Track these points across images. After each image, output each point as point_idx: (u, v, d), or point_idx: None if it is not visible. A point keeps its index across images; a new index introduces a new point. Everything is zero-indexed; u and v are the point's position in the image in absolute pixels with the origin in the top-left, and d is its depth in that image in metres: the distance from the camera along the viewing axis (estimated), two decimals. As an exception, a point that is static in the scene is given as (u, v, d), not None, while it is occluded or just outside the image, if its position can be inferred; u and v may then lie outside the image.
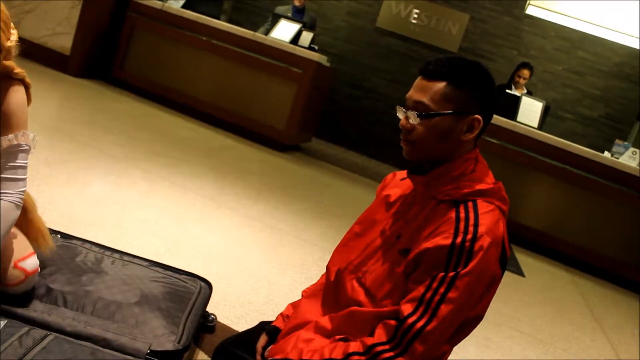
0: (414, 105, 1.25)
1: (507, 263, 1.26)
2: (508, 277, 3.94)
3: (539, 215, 4.95)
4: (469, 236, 1.15)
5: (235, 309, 2.16)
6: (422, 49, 7.73)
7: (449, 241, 1.16)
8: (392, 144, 7.38)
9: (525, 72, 6.15)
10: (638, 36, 5.81)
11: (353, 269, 1.34)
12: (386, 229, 1.34)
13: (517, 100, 5.17)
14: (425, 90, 1.24)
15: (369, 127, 7.90)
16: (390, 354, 1.14)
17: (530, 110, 5.08)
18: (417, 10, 7.72)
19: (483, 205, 1.21)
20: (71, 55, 5.74)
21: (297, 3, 6.67)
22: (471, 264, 1.14)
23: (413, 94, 1.26)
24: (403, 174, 1.45)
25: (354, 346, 1.18)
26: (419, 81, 1.27)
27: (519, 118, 5.01)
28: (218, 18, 5.92)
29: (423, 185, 1.29)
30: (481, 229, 1.16)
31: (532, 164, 4.87)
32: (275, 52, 5.47)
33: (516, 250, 4.77)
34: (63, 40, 5.75)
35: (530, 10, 6.06)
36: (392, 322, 1.16)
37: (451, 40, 7.64)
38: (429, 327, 1.13)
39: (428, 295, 1.15)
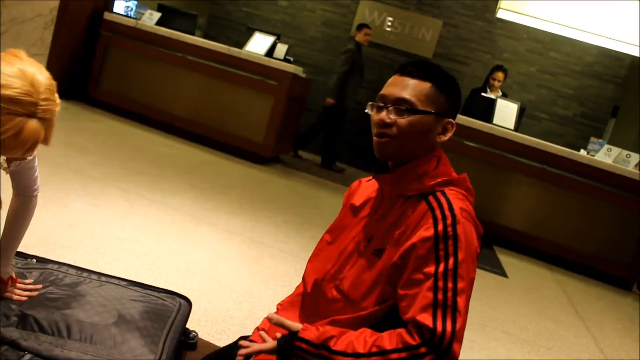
0: (396, 101, 1.27)
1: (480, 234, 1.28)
2: (491, 278, 3.97)
3: (520, 215, 4.99)
4: (449, 220, 1.17)
5: (218, 325, 2.15)
6: (397, 56, 7.79)
7: (431, 232, 1.17)
8: (371, 154, 7.41)
9: (500, 75, 6.22)
10: (608, 36, 5.91)
11: (330, 278, 1.34)
12: (356, 234, 1.36)
13: (492, 103, 5.23)
14: (409, 88, 1.28)
15: (349, 135, 7.93)
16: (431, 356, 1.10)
17: (505, 113, 5.14)
18: (390, 18, 7.79)
19: (451, 193, 1.24)
20: (45, 76, 5.68)
21: (364, 43, 6.79)
22: (461, 248, 1.15)
23: (394, 90, 1.29)
24: (368, 179, 1.47)
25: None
26: (398, 78, 1.30)
27: (495, 120, 5.06)
28: (193, 34, 5.92)
29: (389, 184, 1.31)
30: (457, 211, 1.19)
31: (510, 165, 4.92)
32: (250, 66, 5.48)
33: (498, 251, 4.80)
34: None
35: (501, 14, 6.15)
36: (418, 338, 1.11)
37: (426, 46, 7.72)
38: (458, 326, 1.12)
39: (440, 296, 1.13)
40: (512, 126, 5.05)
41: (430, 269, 1.15)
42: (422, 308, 1.13)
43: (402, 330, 1.14)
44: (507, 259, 4.61)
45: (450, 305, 1.12)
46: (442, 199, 1.22)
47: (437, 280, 1.14)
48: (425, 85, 1.27)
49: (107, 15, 5.87)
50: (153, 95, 5.81)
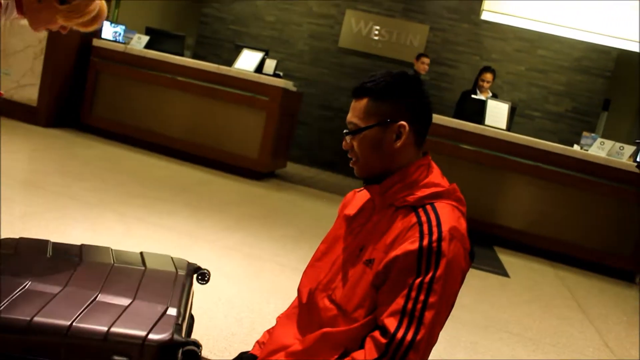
0: (348, 126, 1.35)
1: (474, 257, 1.29)
2: (493, 279, 3.97)
3: (518, 214, 5.01)
4: (434, 237, 1.18)
5: (219, 342, 2.15)
6: (386, 64, 7.84)
7: (416, 245, 1.18)
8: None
9: (488, 76, 6.26)
10: (594, 31, 5.96)
11: (323, 288, 1.35)
12: (349, 244, 1.37)
13: (483, 104, 5.27)
14: (354, 110, 1.34)
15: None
16: None
17: (496, 113, 5.17)
18: (377, 27, 7.85)
19: (441, 206, 1.25)
20: (38, 106, 5.73)
21: (422, 72, 6.74)
22: (442, 265, 1.17)
23: (348, 116, 1.35)
24: (361, 189, 1.49)
25: None
26: (352, 104, 1.36)
27: (487, 121, 5.09)
28: (182, 55, 5.95)
29: (379, 194, 1.33)
30: (444, 228, 1.19)
31: (504, 164, 4.94)
32: (240, 83, 5.51)
33: (498, 251, 4.81)
34: (29, 92, 5.74)
35: (485, 16, 6.19)
36: (382, 338, 1.16)
37: (414, 52, 7.75)
38: (418, 337, 1.15)
39: (410, 305, 1.16)
40: (504, 126, 5.08)
41: (409, 280, 1.17)
42: (390, 313, 1.17)
43: (373, 333, 1.19)
44: (507, 259, 4.62)
45: (417, 317, 1.16)
46: (432, 214, 1.23)
47: (411, 290, 1.17)
48: (363, 102, 1.33)
49: (96, 42, 5.91)
50: (146, 118, 5.84)
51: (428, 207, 1.25)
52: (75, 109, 6.00)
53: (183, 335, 1.36)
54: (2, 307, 1.29)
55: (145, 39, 6.00)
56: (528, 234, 4.95)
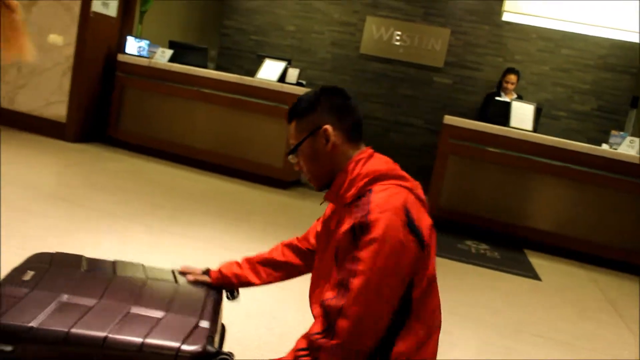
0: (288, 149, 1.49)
1: (419, 232, 1.30)
2: (524, 282, 3.92)
3: (547, 216, 4.93)
4: (363, 213, 1.27)
5: (251, 352, 2.16)
6: (408, 69, 7.82)
7: (349, 225, 1.28)
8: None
9: (512, 77, 6.20)
10: (618, 28, 5.86)
11: (314, 299, 1.48)
12: (324, 248, 1.48)
13: (507, 106, 5.21)
14: (289, 134, 1.50)
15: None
16: (324, 340, 1.24)
17: (522, 114, 5.11)
18: (398, 32, 7.83)
19: (377, 189, 1.33)
20: (67, 122, 5.84)
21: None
22: (368, 235, 1.23)
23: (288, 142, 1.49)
24: None
25: (300, 342, 1.30)
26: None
27: (513, 123, 5.04)
28: (205, 67, 6.02)
29: (332, 196, 1.44)
30: (372, 205, 1.27)
31: (531, 166, 4.88)
32: (263, 92, 5.55)
33: (528, 254, 4.74)
34: (58, 109, 5.86)
35: (506, 17, 6.14)
36: (323, 312, 1.27)
37: (436, 56, 7.74)
38: (345, 303, 1.22)
39: (342, 276, 1.26)
40: (530, 127, 5.02)
41: (347, 256, 1.27)
42: (330, 287, 1.29)
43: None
44: (538, 262, 4.55)
45: (344, 285, 1.24)
46: (365, 198, 1.31)
47: (344, 263, 1.27)
48: (293, 124, 1.48)
49: (121, 57, 6.01)
50: (171, 131, 5.91)
51: (367, 193, 1.33)
52: (103, 123, 6.10)
53: (215, 346, 1.39)
54: (40, 319, 1.32)
55: (168, 52, 6.08)
56: (558, 235, 4.87)
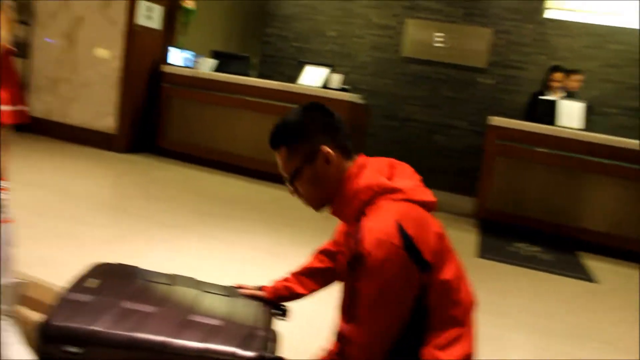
0: (283, 177, 1.47)
1: (418, 252, 1.26)
2: (578, 285, 3.82)
3: (600, 216, 4.79)
4: (356, 243, 1.26)
5: (305, 357, 2.16)
6: (450, 70, 7.74)
7: (347, 255, 1.33)
8: (440, 169, 7.34)
9: (558, 75, 6.06)
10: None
11: (341, 316, 1.49)
12: (342, 263, 1.49)
13: (552, 104, 5.10)
14: (280, 162, 1.46)
15: (412, 155, 7.87)
16: None
17: (569, 113, 4.99)
18: (438, 33, 7.77)
19: (369, 211, 1.31)
20: (116, 133, 6.00)
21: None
22: (364, 266, 1.23)
23: (280, 168, 1.47)
24: None
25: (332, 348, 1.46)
26: (276, 155, 1.47)
27: (560, 122, 4.92)
28: (247, 75, 6.10)
29: (339, 214, 1.45)
30: (364, 234, 1.25)
31: (582, 165, 4.76)
32: (307, 99, 5.56)
33: (582, 255, 4.61)
34: (107, 121, 6.03)
35: (548, 14, 6.00)
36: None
37: (478, 56, 7.63)
38: (352, 332, 1.31)
39: (349, 303, 1.38)
40: (579, 125, 4.89)
41: (350, 285, 1.33)
42: (344, 309, 1.41)
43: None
44: (592, 263, 4.42)
45: (350, 313, 1.33)
46: (361, 224, 1.29)
47: (349, 291, 1.36)
48: (283, 151, 1.43)
49: (166, 68, 6.14)
50: (217, 139, 6.00)
51: (362, 217, 1.32)
52: (151, 133, 6.24)
53: (270, 351, 1.43)
54: (105, 324, 1.37)
55: (212, 62, 6.19)
56: (612, 235, 4.72)
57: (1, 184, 1.79)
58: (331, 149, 1.39)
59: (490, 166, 5.04)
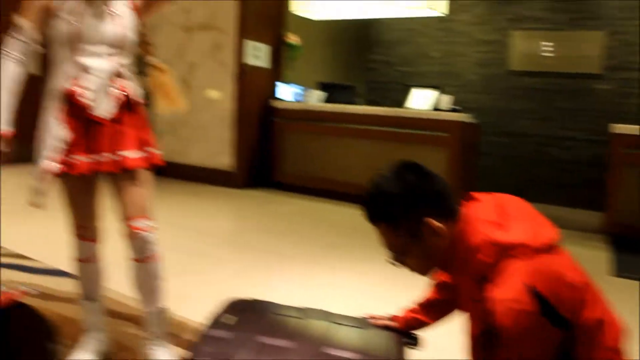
0: (389, 253, 1.41)
1: (556, 313, 1.19)
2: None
3: None
4: (489, 317, 1.18)
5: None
6: (561, 80, 7.43)
7: (480, 328, 1.25)
8: (558, 184, 7.02)
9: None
10: None
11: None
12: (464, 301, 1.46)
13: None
14: (383, 238, 1.37)
15: (528, 170, 7.58)
16: None
17: None
18: (545, 43, 7.50)
19: (494, 278, 1.21)
20: (234, 170, 6.31)
21: None
22: (501, 340, 1.17)
23: (383, 244, 1.40)
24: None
25: None
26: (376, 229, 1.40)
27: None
28: (354, 103, 6.20)
29: (456, 281, 1.42)
30: (495, 306, 1.17)
31: None
32: (418, 122, 5.56)
33: None
34: (224, 158, 6.36)
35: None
36: None
37: (591, 62, 7.26)
38: None
39: None
40: None
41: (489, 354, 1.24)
42: None
43: None
44: None
45: None
46: (489, 295, 1.20)
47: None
48: (382, 228, 1.36)
49: (276, 104, 6.39)
50: (331, 169, 6.12)
51: (484, 283, 1.23)
52: (266, 168, 6.49)
53: None
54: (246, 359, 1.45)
55: (319, 94, 6.38)
56: None
57: (151, 224, 1.98)
58: (437, 219, 1.30)
59: (616, 177, 4.77)
